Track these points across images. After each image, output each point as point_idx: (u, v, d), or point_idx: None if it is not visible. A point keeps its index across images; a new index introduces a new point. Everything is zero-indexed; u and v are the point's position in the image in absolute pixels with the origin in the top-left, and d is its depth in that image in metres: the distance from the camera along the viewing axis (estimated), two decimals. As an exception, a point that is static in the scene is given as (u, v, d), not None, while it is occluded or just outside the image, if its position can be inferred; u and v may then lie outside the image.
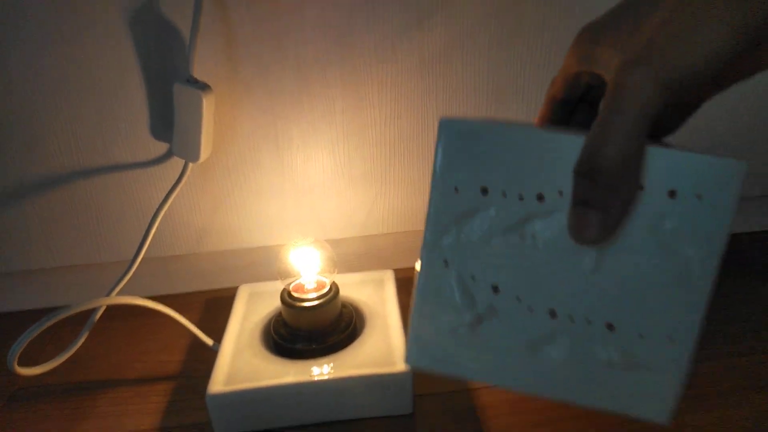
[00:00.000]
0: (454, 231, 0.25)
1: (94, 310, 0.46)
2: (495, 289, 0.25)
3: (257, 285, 0.51)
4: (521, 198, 0.24)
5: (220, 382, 0.40)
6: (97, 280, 0.57)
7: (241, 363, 0.42)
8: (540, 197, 0.24)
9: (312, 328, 0.44)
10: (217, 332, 0.48)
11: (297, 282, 0.45)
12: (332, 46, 0.48)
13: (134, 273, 0.47)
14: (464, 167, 0.25)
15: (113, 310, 0.51)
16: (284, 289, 0.45)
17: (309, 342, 0.43)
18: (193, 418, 0.42)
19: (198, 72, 0.46)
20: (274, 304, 0.49)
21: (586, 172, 0.22)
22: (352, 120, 0.51)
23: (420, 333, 0.26)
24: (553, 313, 0.25)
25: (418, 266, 0.26)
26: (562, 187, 0.24)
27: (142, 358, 0.49)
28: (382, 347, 0.43)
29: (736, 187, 0.23)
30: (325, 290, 0.44)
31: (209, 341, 0.46)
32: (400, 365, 0.41)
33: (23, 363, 0.39)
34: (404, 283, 0.50)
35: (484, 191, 0.25)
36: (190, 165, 0.49)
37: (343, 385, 0.40)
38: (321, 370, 0.41)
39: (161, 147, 0.50)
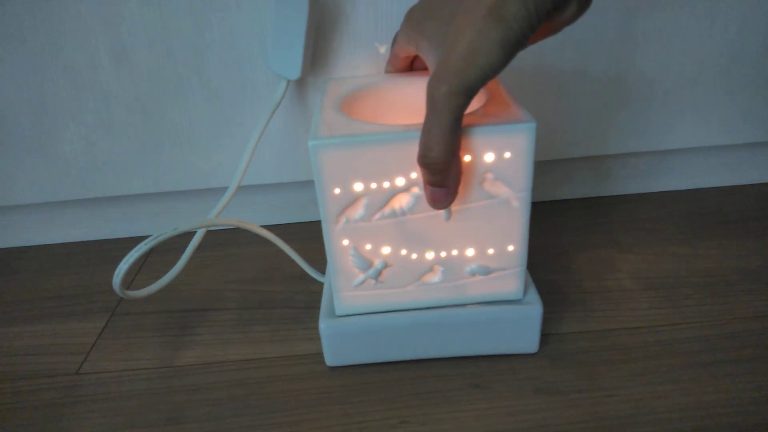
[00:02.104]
0: (343, 219, 0.33)
1: (192, 237, 0.43)
2: (386, 249, 0.34)
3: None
4: (385, 185, 0.32)
5: (330, 311, 0.37)
6: (185, 208, 0.55)
7: (350, 293, 0.39)
8: (398, 180, 0.32)
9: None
10: (311, 264, 0.45)
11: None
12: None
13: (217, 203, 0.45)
14: (340, 176, 0.32)
15: (208, 239, 0.49)
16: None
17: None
18: (301, 349, 0.40)
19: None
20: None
21: (423, 165, 0.29)
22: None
23: (341, 292, 0.36)
24: (430, 254, 0.35)
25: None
26: (414, 171, 0.32)
27: (238, 288, 0.47)
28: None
29: (530, 141, 0.31)
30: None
31: (312, 272, 0.44)
32: (528, 300, 0.37)
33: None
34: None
35: (357, 187, 0.32)
36: (287, 83, 0.45)
37: (465, 319, 0.37)
38: (438, 300, 0.38)
39: (257, 61, 0.46)
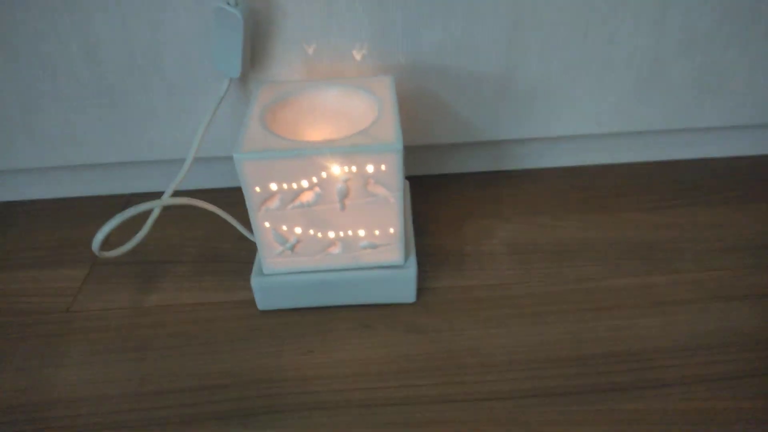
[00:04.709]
0: (264, 208, 0.44)
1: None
2: (298, 230, 0.46)
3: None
4: (294, 185, 0.43)
5: (260, 270, 0.49)
6: (150, 173, 0.65)
7: (277, 255, 0.51)
8: (303, 183, 0.43)
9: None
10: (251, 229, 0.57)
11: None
12: (360, -29, 0.51)
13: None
14: (259, 178, 0.43)
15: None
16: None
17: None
18: (240, 296, 0.52)
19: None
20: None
21: None
22: (377, 55, 0.55)
23: (266, 259, 0.48)
24: (331, 234, 0.46)
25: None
26: (315, 176, 0.43)
27: (195, 244, 0.59)
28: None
29: (399, 159, 0.42)
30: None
31: (249, 235, 0.55)
32: (407, 265, 0.49)
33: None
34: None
35: (273, 186, 0.43)
36: (230, 80, 0.54)
37: (360, 279, 0.49)
38: (339, 266, 0.49)
39: (205, 60, 0.55)
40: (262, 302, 0.51)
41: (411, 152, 0.65)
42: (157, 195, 0.53)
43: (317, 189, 0.44)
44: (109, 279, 0.56)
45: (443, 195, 0.64)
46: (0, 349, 0.49)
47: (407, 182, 0.60)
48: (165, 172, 0.64)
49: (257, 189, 0.44)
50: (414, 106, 0.59)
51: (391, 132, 0.43)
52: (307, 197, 0.44)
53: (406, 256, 0.50)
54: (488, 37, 0.56)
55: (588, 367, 0.45)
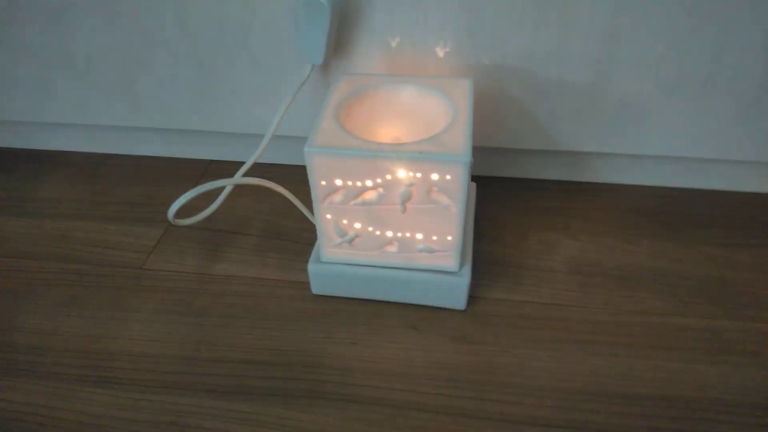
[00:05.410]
0: (327, 201, 0.46)
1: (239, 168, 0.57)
2: (357, 225, 0.47)
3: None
4: (358, 183, 0.44)
5: (318, 257, 0.51)
6: (231, 143, 0.68)
7: (336, 244, 0.52)
8: (368, 182, 0.44)
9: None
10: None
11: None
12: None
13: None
14: (325, 173, 0.44)
15: (248, 172, 0.62)
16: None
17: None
18: (296, 277, 0.54)
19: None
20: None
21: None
22: (460, 53, 0.54)
23: (324, 248, 0.49)
24: (389, 233, 0.47)
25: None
26: (379, 177, 0.43)
27: (262, 218, 0.61)
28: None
29: (465, 170, 0.42)
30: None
31: (313, 219, 0.57)
32: (461, 273, 0.49)
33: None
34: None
35: (338, 182, 0.44)
36: (312, 66, 0.55)
37: (413, 280, 0.49)
38: (394, 264, 0.50)
39: (291, 45, 0.56)
40: (317, 287, 0.52)
41: (482, 152, 0.64)
42: (236, 164, 0.56)
43: (381, 189, 0.44)
44: (181, 242, 0.59)
45: (511, 200, 0.63)
46: (77, 295, 0.54)
47: (474, 184, 0.59)
48: (244, 143, 0.67)
49: (323, 182, 0.44)
50: (492, 106, 0.58)
51: (460, 142, 0.43)
52: (370, 196, 0.45)
53: (462, 264, 0.49)
54: (581, 47, 0.53)
55: (633, 407, 0.43)
